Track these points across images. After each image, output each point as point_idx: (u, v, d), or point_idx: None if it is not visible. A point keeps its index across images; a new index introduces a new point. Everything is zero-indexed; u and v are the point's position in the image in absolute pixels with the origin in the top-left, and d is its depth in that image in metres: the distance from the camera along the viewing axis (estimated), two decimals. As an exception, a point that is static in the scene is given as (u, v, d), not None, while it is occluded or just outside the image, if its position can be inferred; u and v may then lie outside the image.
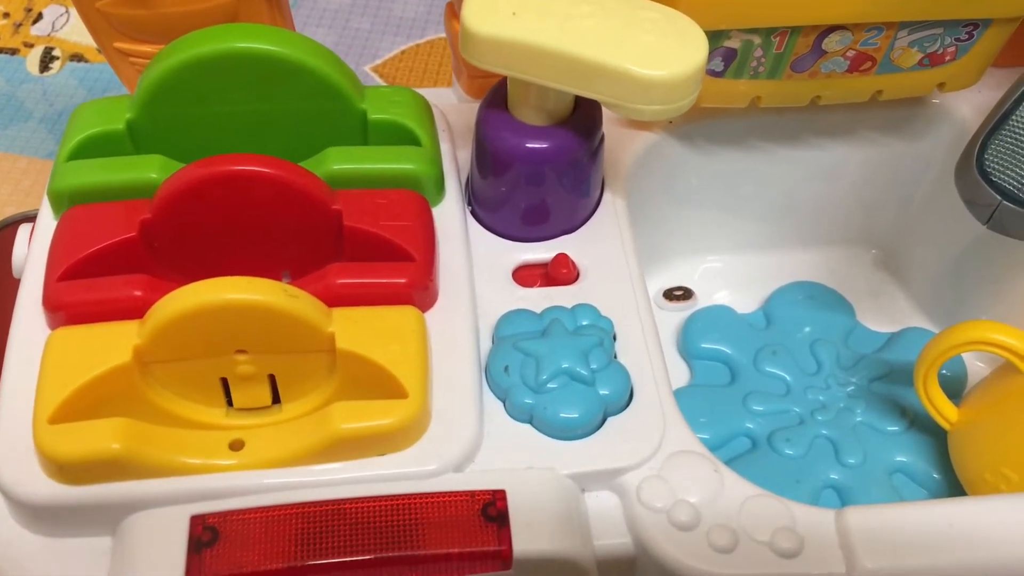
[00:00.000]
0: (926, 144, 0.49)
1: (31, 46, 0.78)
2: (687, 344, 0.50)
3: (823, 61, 0.42)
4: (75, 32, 0.79)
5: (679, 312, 0.52)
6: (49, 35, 0.79)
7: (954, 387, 0.48)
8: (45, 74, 0.77)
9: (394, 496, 0.32)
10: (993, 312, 0.48)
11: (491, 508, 0.33)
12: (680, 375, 0.50)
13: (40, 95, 0.75)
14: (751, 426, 0.47)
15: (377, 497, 0.32)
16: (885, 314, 0.53)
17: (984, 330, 0.39)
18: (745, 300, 0.53)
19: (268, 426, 0.34)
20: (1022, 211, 0.36)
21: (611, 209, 0.42)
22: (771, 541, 0.33)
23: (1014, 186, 0.36)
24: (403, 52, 0.82)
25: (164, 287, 0.34)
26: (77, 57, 0.78)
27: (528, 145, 0.39)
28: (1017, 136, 0.36)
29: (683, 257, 0.54)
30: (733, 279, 0.54)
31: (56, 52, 0.78)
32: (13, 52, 0.78)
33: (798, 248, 0.54)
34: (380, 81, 0.78)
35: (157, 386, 0.34)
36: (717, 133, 0.49)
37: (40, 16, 0.81)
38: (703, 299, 0.53)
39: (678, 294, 0.53)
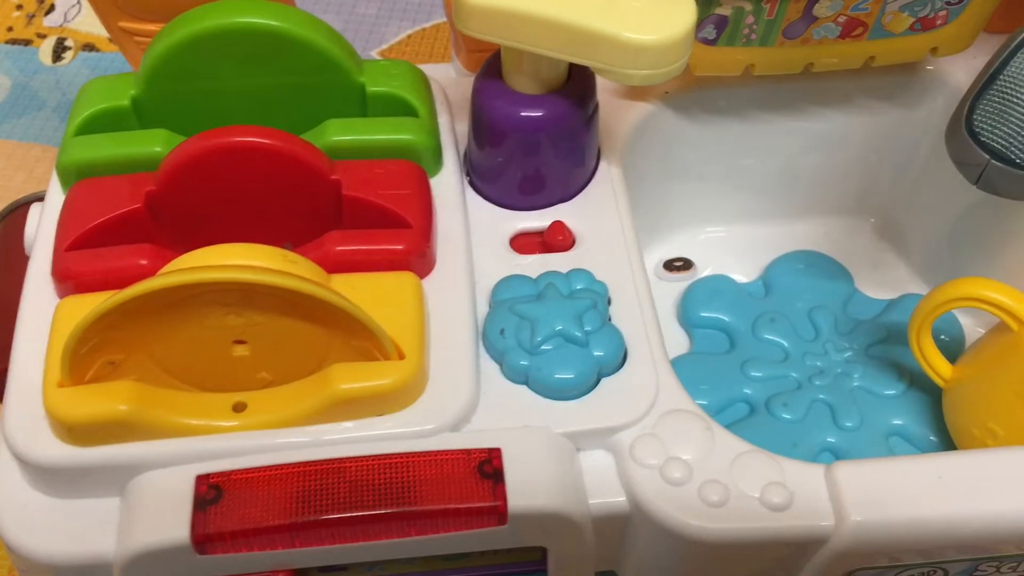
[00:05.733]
0: (922, 111, 0.50)
1: (44, 37, 0.80)
2: (687, 313, 0.51)
3: (815, 27, 0.43)
4: (87, 23, 0.81)
5: (679, 282, 0.53)
6: (61, 26, 0.80)
7: (953, 351, 0.48)
8: (58, 64, 0.78)
9: (392, 455, 0.33)
10: (990, 276, 0.48)
11: (487, 466, 0.34)
12: (680, 344, 0.51)
13: (53, 84, 0.76)
14: (749, 392, 0.47)
15: (375, 456, 0.33)
16: (884, 282, 0.53)
17: (976, 286, 0.40)
18: (745, 270, 0.54)
19: (269, 388, 0.35)
20: (1010, 170, 0.37)
21: (607, 178, 0.43)
22: (761, 496, 0.34)
23: (1002, 145, 0.37)
24: (409, 36, 0.82)
25: (169, 256, 0.35)
26: (89, 47, 0.79)
27: (523, 113, 0.39)
28: (1005, 95, 0.37)
29: (683, 228, 0.54)
30: (733, 249, 0.54)
31: (68, 42, 0.79)
32: (27, 43, 0.79)
33: (797, 218, 0.55)
34: (387, 66, 0.79)
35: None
36: (713, 103, 0.49)
37: (52, 7, 0.82)
38: (703, 269, 0.54)
39: (678, 265, 0.53)
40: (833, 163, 0.53)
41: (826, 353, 0.49)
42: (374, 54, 0.81)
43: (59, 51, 0.79)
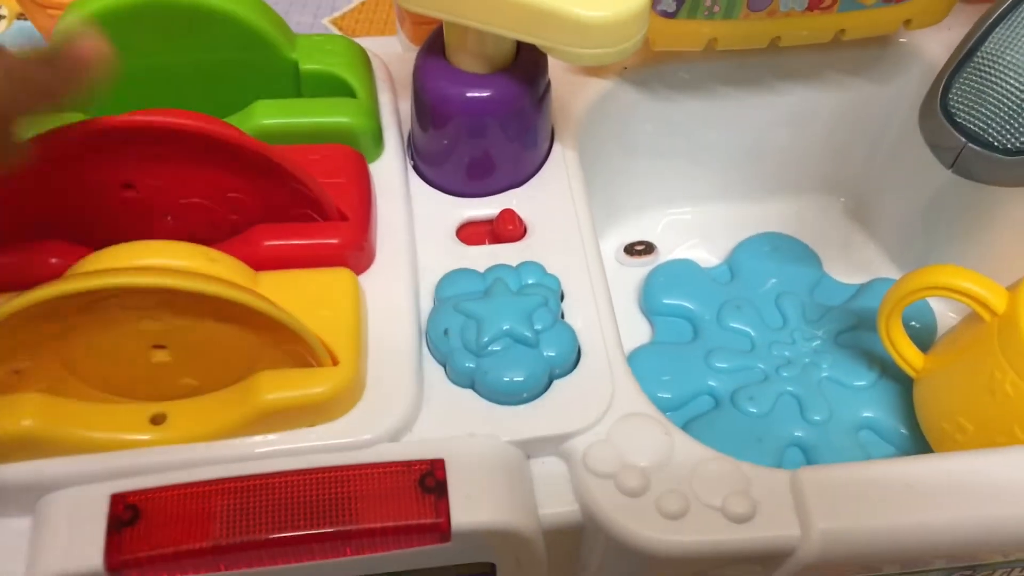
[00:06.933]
0: (895, 86, 0.47)
1: (-25, 4, 0.75)
2: (648, 300, 0.49)
3: (781, -1, 0.40)
4: (21, -11, 0.76)
5: (641, 267, 0.50)
6: (-5, -7, 0.76)
7: (924, 338, 0.47)
8: (-9, 33, 0.74)
9: (325, 468, 0.31)
10: (964, 261, 0.46)
11: (428, 478, 0.31)
12: (642, 333, 0.48)
13: (-14, 55, 0.72)
14: (714, 384, 0.45)
15: (306, 470, 0.31)
16: (854, 264, 0.51)
17: (949, 275, 0.38)
18: (709, 253, 0.52)
19: (193, 398, 0.32)
20: (988, 154, 0.34)
21: (560, 161, 0.40)
22: (723, 505, 0.32)
23: (979, 127, 0.34)
24: (363, 4, 0.79)
25: (83, 252, 0.32)
26: (24, 15, 0.75)
27: (468, 95, 0.36)
28: (983, 73, 0.34)
29: (644, 210, 0.52)
30: (697, 231, 0.52)
31: (3, 11, 0.75)
32: (-44, 11, 0.75)
33: (764, 198, 0.52)
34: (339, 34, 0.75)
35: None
36: (675, 79, 0.46)
37: (-16, -27, 0.77)
38: (666, 253, 0.51)
39: (640, 248, 0.51)
40: (801, 139, 0.50)
41: (794, 342, 0.47)
42: (326, 23, 0.77)
43: (-7, 20, 0.75)
